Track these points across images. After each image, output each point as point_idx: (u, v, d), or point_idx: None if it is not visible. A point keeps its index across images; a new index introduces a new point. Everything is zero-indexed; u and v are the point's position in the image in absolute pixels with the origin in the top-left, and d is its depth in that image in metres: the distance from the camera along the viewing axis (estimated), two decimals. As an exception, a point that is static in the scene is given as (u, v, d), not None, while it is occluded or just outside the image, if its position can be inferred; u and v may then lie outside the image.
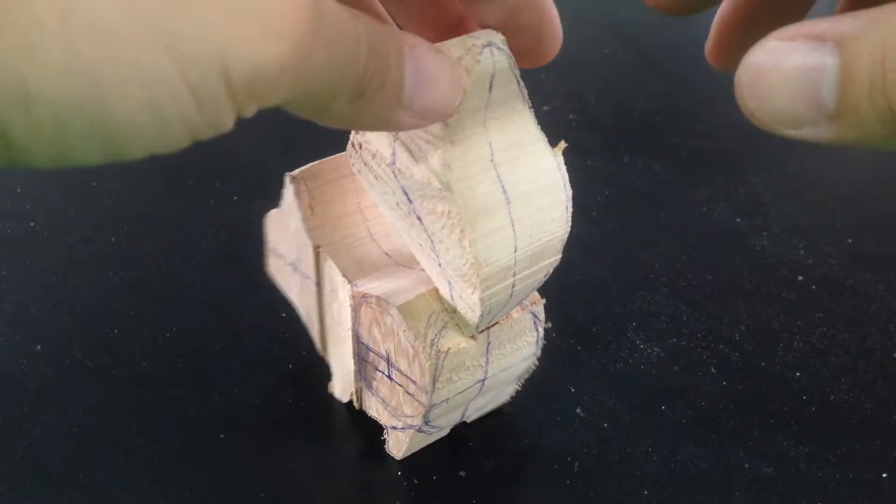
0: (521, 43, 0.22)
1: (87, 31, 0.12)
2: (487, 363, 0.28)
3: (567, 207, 0.25)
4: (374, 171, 0.25)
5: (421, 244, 0.26)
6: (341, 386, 0.33)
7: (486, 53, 0.21)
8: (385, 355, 0.29)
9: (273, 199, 0.32)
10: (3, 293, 0.40)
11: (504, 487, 0.31)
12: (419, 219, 0.24)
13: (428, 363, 0.26)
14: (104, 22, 0.12)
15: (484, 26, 0.22)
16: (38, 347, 0.37)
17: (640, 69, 0.67)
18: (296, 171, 0.30)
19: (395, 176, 0.24)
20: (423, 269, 0.28)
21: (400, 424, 0.30)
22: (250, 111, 0.15)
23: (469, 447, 0.32)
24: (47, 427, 0.33)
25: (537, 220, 0.24)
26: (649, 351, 0.37)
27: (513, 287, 0.25)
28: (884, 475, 0.32)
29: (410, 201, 0.24)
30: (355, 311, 0.29)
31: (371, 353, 0.30)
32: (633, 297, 0.41)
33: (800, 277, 0.43)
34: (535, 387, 0.35)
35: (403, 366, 0.28)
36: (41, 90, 0.12)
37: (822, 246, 0.46)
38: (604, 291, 0.41)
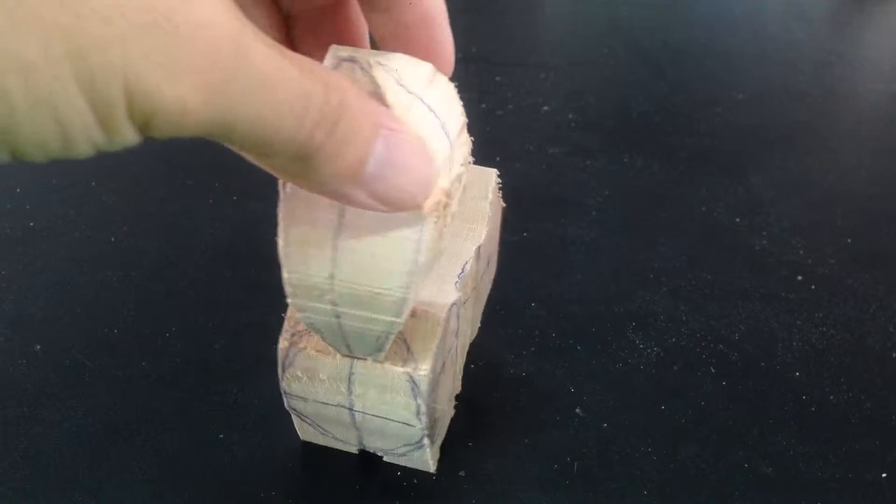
0: None
1: (9, 65, 0.13)
2: (350, 394, 0.27)
3: (411, 273, 0.22)
4: None
5: None
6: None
7: (345, 67, 0.20)
8: None
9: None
10: (3, 293, 0.40)
11: (504, 487, 0.31)
12: None
13: (280, 346, 0.27)
14: (24, 59, 0.13)
15: (378, 37, 0.23)
16: (38, 347, 0.37)
17: (640, 69, 0.67)
18: None
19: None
20: None
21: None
22: (159, 135, 0.15)
23: (468, 447, 0.33)
24: (47, 427, 0.33)
25: (367, 265, 0.22)
26: (649, 351, 0.38)
27: (338, 318, 0.24)
28: (883, 475, 0.32)
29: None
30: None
31: None
32: (632, 297, 0.41)
33: (799, 277, 0.43)
34: (535, 387, 0.35)
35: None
36: None
37: (822, 246, 0.46)
38: (604, 291, 0.41)
